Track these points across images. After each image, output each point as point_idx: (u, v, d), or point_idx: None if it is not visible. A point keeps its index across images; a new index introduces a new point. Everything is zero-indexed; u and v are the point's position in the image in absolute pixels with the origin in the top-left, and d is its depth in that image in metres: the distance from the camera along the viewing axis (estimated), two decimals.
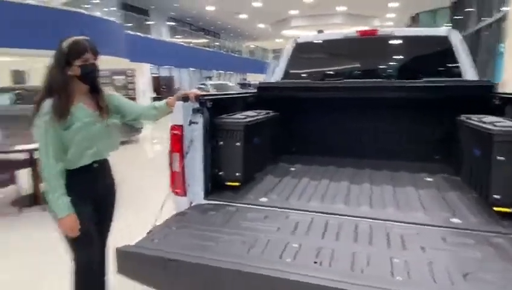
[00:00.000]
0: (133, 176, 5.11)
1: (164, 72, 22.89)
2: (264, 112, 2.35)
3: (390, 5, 19.37)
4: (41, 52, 12.70)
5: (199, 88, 17.21)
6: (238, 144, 1.91)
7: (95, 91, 1.80)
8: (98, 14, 14.82)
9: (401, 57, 3.15)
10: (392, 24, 24.51)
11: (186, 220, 1.63)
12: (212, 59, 26.32)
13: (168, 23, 25.16)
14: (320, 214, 1.67)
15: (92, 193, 1.80)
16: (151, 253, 1.29)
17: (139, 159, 7.58)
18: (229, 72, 29.15)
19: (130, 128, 8.05)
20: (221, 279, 1.19)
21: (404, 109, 2.57)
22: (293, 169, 2.53)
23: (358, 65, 3.25)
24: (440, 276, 1.13)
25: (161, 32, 23.93)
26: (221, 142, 1.94)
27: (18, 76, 16.58)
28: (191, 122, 1.80)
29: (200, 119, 1.81)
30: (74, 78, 1.72)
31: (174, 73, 23.80)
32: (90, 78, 1.76)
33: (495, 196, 1.56)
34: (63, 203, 1.62)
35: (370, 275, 1.15)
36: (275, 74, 3.39)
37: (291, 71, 3.31)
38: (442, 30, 3.05)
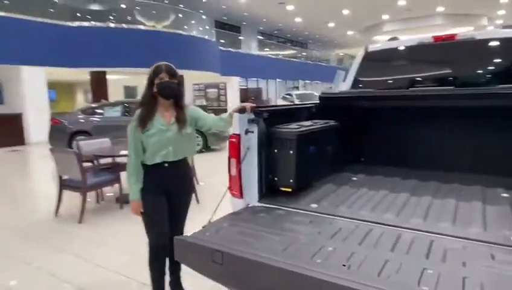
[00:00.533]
0: (215, 181, 5.54)
1: (252, 84, 23.95)
2: (322, 122, 2.43)
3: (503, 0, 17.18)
4: (147, 70, 14.58)
5: (284, 98, 17.60)
6: (291, 152, 2.03)
7: (178, 106, 2.19)
8: (194, 33, 16.29)
9: (484, 62, 2.89)
10: (501, 23, 21.70)
11: (237, 219, 1.81)
12: (299, 69, 26.58)
13: (258, 37, 26.34)
14: (365, 222, 1.69)
15: (163, 186, 2.16)
16: (201, 243, 1.50)
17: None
18: (315, 82, 29.06)
19: (217, 138, 8.69)
20: (255, 271, 1.33)
21: (480, 118, 2.39)
22: (354, 179, 2.54)
23: (433, 73, 3.08)
24: None
25: (250, 46, 25.16)
26: (276, 150, 2.08)
27: (129, 91, 19.16)
28: (247, 132, 2.00)
29: (255, 128, 2.00)
30: (157, 95, 2.12)
31: (261, 84, 24.72)
32: (165, 93, 2.12)
33: None
34: (135, 189, 2.09)
35: (394, 282, 1.16)
36: (345, 83, 3.42)
37: (361, 79, 3.30)
38: None
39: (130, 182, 2.12)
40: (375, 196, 2.11)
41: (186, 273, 2.32)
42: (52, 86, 15.40)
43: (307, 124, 2.23)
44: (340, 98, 2.84)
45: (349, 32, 27.71)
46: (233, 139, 1.99)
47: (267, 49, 27.05)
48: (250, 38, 25.29)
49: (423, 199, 2.02)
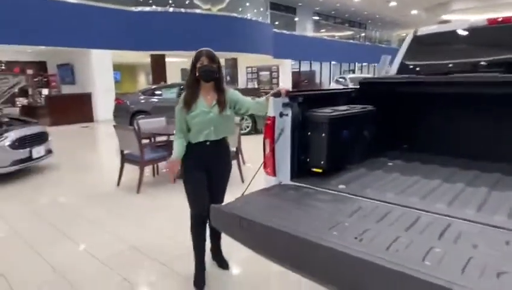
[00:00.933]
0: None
1: (306, 66, 23.61)
2: (359, 107, 2.48)
3: None
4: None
5: (337, 82, 17.19)
6: (323, 134, 2.14)
7: (218, 89, 2.36)
8: (248, 15, 16.42)
9: None
10: None
11: (267, 194, 1.99)
12: (355, 51, 25.62)
13: (314, 17, 25.72)
14: (387, 203, 1.76)
15: (204, 162, 2.39)
16: (231, 211, 1.70)
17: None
18: (373, 64, 27.82)
19: (261, 118, 8.87)
20: (274, 239, 1.50)
21: None
22: (390, 164, 2.57)
23: (485, 58, 2.93)
24: (471, 269, 1.15)
25: (306, 27, 24.69)
26: (309, 133, 2.20)
27: (186, 74, 19.91)
28: (281, 114, 2.14)
29: (289, 111, 2.13)
30: (199, 78, 2.31)
31: (315, 67, 24.28)
32: (205, 76, 2.29)
33: None
34: (176, 152, 2.36)
35: (400, 255, 1.26)
36: (392, 67, 3.38)
37: (408, 64, 3.24)
38: None
39: (174, 147, 2.39)
40: (406, 181, 2.15)
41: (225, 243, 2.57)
42: (117, 68, 16.57)
43: (341, 109, 2.31)
44: (380, 83, 2.84)
45: (413, 12, 25.92)
46: (268, 121, 2.14)
47: (323, 30, 26.36)
48: (305, 19, 24.79)
49: (456, 185, 2.03)
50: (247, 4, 17.14)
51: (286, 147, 2.15)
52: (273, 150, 2.15)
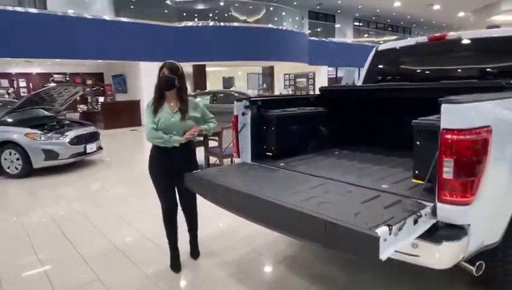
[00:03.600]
0: None
1: (343, 72, 23.87)
2: (309, 108, 3.24)
3: None
4: (242, 62, 16.17)
5: None
6: (273, 128, 2.93)
7: (181, 98, 2.72)
8: (284, 24, 17.27)
9: (467, 59, 3.26)
10: None
11: (235, 169, 2.86)
12: None
13: (355, 23, 25.92)
14: (306, 175, 2.49)
15: (169, 163, 2.70)
16: (200, 176, 2.55)
17: None
18: None
19: None
20: (228, 195, 2.23)
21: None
22: (336, 153, 3.28)
23: (426, 68, 3.54)
24: (312, 202, 1.89)
25: (345, 34, 24.97)
26: (264, 127, 3.00)
27: (227, 81, 21.26)
28: (243, 114, 2.97)
29: (249, 111, 2.95)
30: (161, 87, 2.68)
31: (352, 73, 24.44)
32: (164, 85, 2.64)
33: (415, 171, 2.03)
34: (174, 139, 2.66)
35: (288, 198, 1.96)
36: (360, 77, 4.07)
37: (371, 74, 3.92)
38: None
39: (166, 140, 2.63)
40: (332, 162, 2.88)
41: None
42: None
43: (290, 110, 3.10)
44: (332, 90, 3.57)
45: (460, 14, 25.15)
46: (234, 118, 2.99)
47: (366, 36, 26.42)
48: (345, 26, 25.11)
49: (362, 165, 2.72)
50: (283, 14, 17.98)
51: (247, 137, 2.98)
52: (237, 139, 3.00)
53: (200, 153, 6.22)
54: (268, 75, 18.58)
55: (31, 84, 15.21)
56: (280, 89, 19.75)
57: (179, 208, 2.96)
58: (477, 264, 1.96)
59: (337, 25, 24.45)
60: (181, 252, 2.98)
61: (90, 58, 13.07)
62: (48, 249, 3.39)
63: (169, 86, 2.68)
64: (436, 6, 22.63)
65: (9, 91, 14.38)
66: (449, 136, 1.69)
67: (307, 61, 17.88)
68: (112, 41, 12.90)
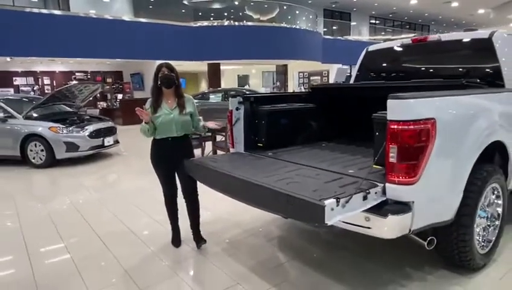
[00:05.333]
0: None
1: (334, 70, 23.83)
2: (298, 104, 3.57)
3: None
4: (256, 61, 16.51)
5: None
6: (263, 122, 3.29)
7: (178, 94, 2.95)
8: (298, 23, 17.50)
9: (441, 60, 3.52)
10: None
11: (227, 156, 3.23)
12: None
13: (371, 21, 25.82)
14: (287, 162, 2.82)
15: (168, 155, 2.97)
16: (197, 162, 2.92)
17: None
18: None
19: None
20: (218, 177, 2.59)
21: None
22: (323, 145, 3.60)
23: (405, 68, 3.81)
24: (282, 182, 2.23)
25: (361, 32, 24.93)
26: (256, 121, 3.36)
27: (242, 79, 21.65)
28: (237, 109, 3.32)
29: (242, 107, 3.30)
30: (162, 87, 2.90)
31: (345, 71, 24.35)
32: (166, 83, 2.83)
33: (375, 158, 2.34)
34: (147, 126, 2.90)
35: (264, 179, 2.33)
36: (352, 75, 4.36)
37: (361, 73, 4.21)
38: (485, 33, 3.25)
39: (144, 130, 2.93)
40: (316, 153, 3.20)
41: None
42: (182, 75, 18.68)
43: (280, 105, 3.44)
44: (321, 88, 3.88)
45: (480, 11, 24.70)
46: (229, 113, 3.36)
47: (383, 33, 26.28)
48: (361, 24, 25.07)
49: (334, 154, 3.06)
50: (297, 12, 18.18)
51: (241, 129, 3.34)
52: (231, 131, 3.36)
53: (208, 147, 6.73)
54: (282, 73, 18.86)
55: (54, 81, 16.02)
56: (294, 86, 20.01)
57: (182, 204, 3.24)
58: (428, 239, 2.27)
59: (352, 23, 24.44)
60: (184, 240, 3.32)
61: (109, 57, 13.68)
62: (69, 229, 3.84)
63: (171, 83, 2.91)
64: (455, 4, 22.30)
65: (35, 88, 15.23)
66: (394, 126, 2.01)
67: (320, 59, 18.04)
68: (130, 41, 13.48)
